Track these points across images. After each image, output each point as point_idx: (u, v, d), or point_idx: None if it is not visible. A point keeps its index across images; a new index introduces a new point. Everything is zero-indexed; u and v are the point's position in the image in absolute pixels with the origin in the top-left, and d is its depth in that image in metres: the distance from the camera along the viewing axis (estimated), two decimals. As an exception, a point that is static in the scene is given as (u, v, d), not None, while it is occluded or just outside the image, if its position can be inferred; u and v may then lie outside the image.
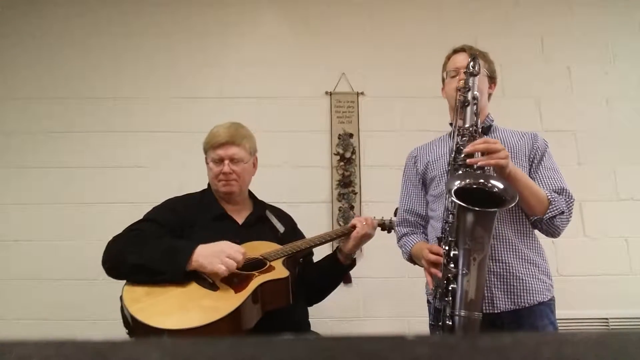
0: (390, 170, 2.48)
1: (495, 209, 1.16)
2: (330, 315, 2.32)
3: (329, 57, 2.63)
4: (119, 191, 2.46)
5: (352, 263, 1.71)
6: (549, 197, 1.35)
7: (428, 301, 1.54)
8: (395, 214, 1.76)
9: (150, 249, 1.36)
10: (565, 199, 1.38)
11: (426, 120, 2.43)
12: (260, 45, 2.65)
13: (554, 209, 1.35)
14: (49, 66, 2.59)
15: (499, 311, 1.32)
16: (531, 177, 1.43)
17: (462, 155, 1.28)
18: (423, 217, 1.60)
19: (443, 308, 1.22)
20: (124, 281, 1.35)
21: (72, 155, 2.50)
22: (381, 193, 2.46)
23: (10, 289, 2.37)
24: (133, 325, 1.22)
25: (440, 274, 1.24)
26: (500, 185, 1.18)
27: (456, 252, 1.18)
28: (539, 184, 1.41)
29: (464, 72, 1.37)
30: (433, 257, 1.29)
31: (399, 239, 1.65)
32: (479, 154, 1.26)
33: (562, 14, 2.72)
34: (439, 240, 1.30)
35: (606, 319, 2.36)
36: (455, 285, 1.17)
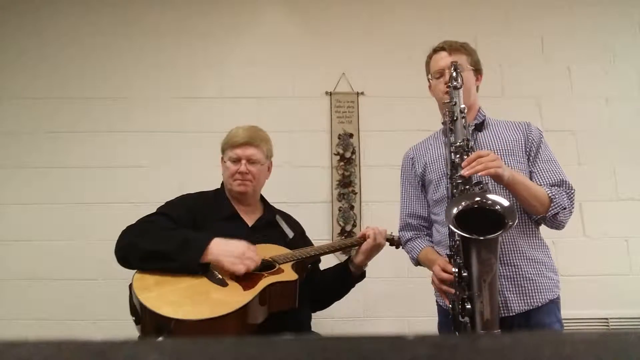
0: (390, 170, 2.47)
1: (497, 234, 1.15)
2: (331, 315, 2.31)
3: (329, 57, 2.63)
4: (119, 191, 2.46)
5: (362, 274, 1.72)
6: (550, 194, 1.35)
7: (437, 302, 1.54)
8: None
9: (166, 237, 1.38)
10: (566, 192, 1.38)
11: (426, 120, 2.42)
12: (260, 45, 2.65)
13: (556, 206, 1.34)
14: (49, 66, 2.59)
15: (513, 314, 1.33)
16: (529, 170, 1.44)
17: (459, 175, 1.28)
18: (425, 219, 1.60)
19: (463, 325, 1.24)
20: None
21: (72, 155, 2.50)
22: (381, 193, 2.46)
23: (10, 289, 2.37)
24: (141, 312, 1.23)
25: (453, 291, 1.27)
26: (504, 204, 1.17)
27: (466, 274, 1.21)
28: (537, 177, 1.41)
29: (447, 87, 1.37)
30: (445, 275, 1.31)
31: (404, 243, 1.65)
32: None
33: (562, 14, 2.72)
34: (449, 257, 1.32)
35: (606, 319, 2.36)
36: (470, 306, 1.20)
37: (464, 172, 1.23)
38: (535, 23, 2.70)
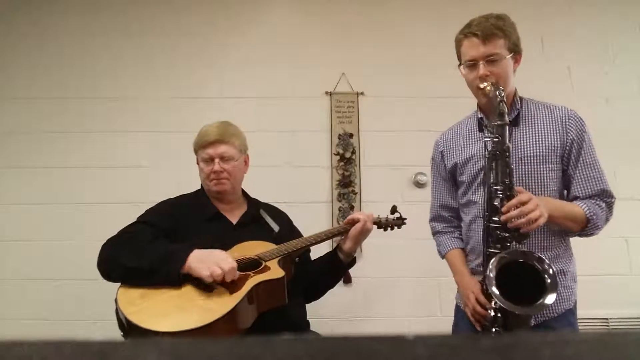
0: (390, 170, 2.48)
1: (538, 307, 1.14)
2: (330, 315, 2.31)
3: (329, 57, 2.63)
4: (119, 191, 2.46)
5: (353, 261, 1.70)
6: (588, 215, 1.30)
7: (457, 304, 1.55)
8: (392, 212, 1.75)
9: (145, 253, 1.35)
10: (606, 203, 1.34)
11: (426, 120, 2.43)
12: (260, 45, 2.65)
13: (593, 226, 1.31)
14: (49, 66, 2.59)
15: (532, 324, 1.32)
16: (568, 175, 1.37)
17: (498, 219, 1.24)
18: (456, 210, 1.58)
19: None
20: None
21: (72, 155, 2.50)
22: (381, 193, 2.46)
23: (10, 289, 2.37)
24: (128, 328, 1.22)
25: (484, 321, 1.28)
26: (552, 277, 1.16)
27: (500, 317, 1.22)
28: (576, 186, 1.36)
29: (493, 125, 1.26)
30: (480, 309, 1.31)
31: (434, 234, 1.65)
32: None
33: (562, 14, 2.72)
34: (482, 284, 1.32)
35: (606, 319, 2.36)
36: None
37: (509, 225, 1.20)
38: (535, 23, 2.70)
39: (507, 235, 1.22)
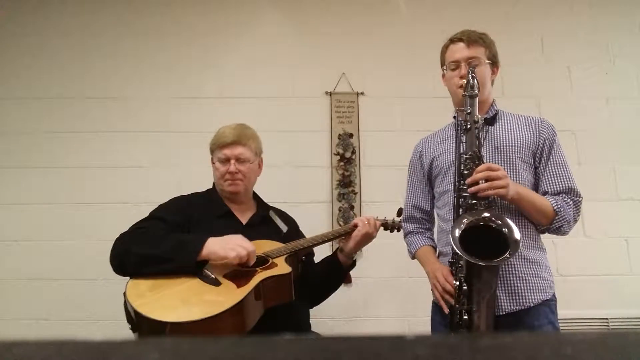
0: (390, 170, 2.48)
1: (500, 260, 1.18)
2: (331, 315, 2.31)
3: (329, 57, 2.63)
4: (119, 191, 2.46)
5: (352, 264, 1.71)
6: (555, 207, 1.35)
7: (433, 301, 1.55)
8: (398, 215, 1.76)
9: (160, 241, 1.38)
10: (573, 201, 1.39)
11: (426, 120, 2.42)
12: (260, 45, 2.65)
13: (560, 219, 1.35)
14: (49, 66, 2.59)
15: (503, 313, 1.33)
16: (538, 173, 1.44)
17: (466, 187, 1.30)
18: (428, 213, 1.64)
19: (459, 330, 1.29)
20: (126, 279, 1.36)
21: (72, 155, 2.50)
22: (381, 193, 2.46)
23: (10, 289, 2.37)
24: (136, 319, 1.24)
25: (452, 301, 1.31)
26: (512, 230, 1.21)
27: (466, 288, 1.25)
28: (545, 183, 1.42)
29: (462, 96, 1.35)
30: (449, 287, 1.34)
31: (405, 235, 1.68)
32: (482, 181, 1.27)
33: (562, 14, 2.72)
34: (451, 264, 1.35)
35: (606, 319, 2.36)
36: (467, 317, 1.25)
37: (471, 189, 1.26)
38: (535, 23, 2.70)
39: (475, 202, 1.28)
